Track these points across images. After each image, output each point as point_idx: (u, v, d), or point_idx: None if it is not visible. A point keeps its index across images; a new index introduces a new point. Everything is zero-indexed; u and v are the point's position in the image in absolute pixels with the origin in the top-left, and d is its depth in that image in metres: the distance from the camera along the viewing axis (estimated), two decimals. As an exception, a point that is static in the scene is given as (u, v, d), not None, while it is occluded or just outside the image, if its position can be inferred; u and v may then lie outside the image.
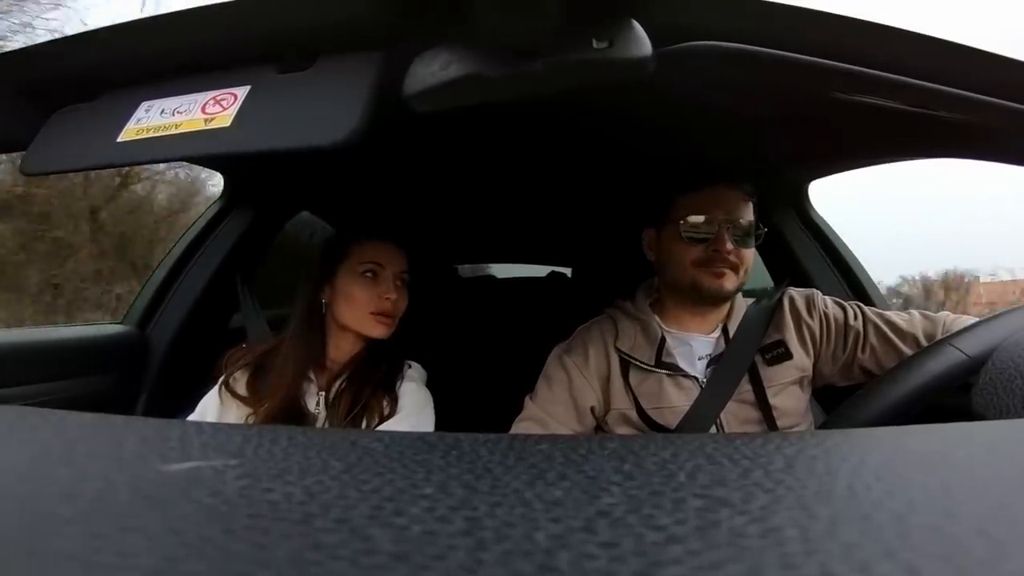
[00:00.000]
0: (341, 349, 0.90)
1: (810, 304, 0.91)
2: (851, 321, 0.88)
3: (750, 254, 0.85)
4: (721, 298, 0.86)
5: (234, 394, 0.86)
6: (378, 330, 0.87)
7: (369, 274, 0.88)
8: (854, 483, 0.21)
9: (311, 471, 0.22)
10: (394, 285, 0.89)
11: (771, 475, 0.22)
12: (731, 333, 0.87)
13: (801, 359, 0.87)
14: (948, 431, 0.31)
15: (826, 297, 0.93)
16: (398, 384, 0.88)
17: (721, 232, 0.82)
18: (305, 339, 0.88)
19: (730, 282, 0.83)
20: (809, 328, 0.89)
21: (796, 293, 0.92)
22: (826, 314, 0.90)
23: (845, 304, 0.92)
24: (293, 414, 0.83)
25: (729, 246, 0.82)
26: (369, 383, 0.85)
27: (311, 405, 0.86)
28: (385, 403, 0.84)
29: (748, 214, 0.85)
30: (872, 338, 0.87)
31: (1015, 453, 0.27)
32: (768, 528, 0.17)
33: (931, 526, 0.18)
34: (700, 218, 0.83)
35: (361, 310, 0.87)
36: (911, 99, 0.49)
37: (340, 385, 0.86)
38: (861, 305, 0.92)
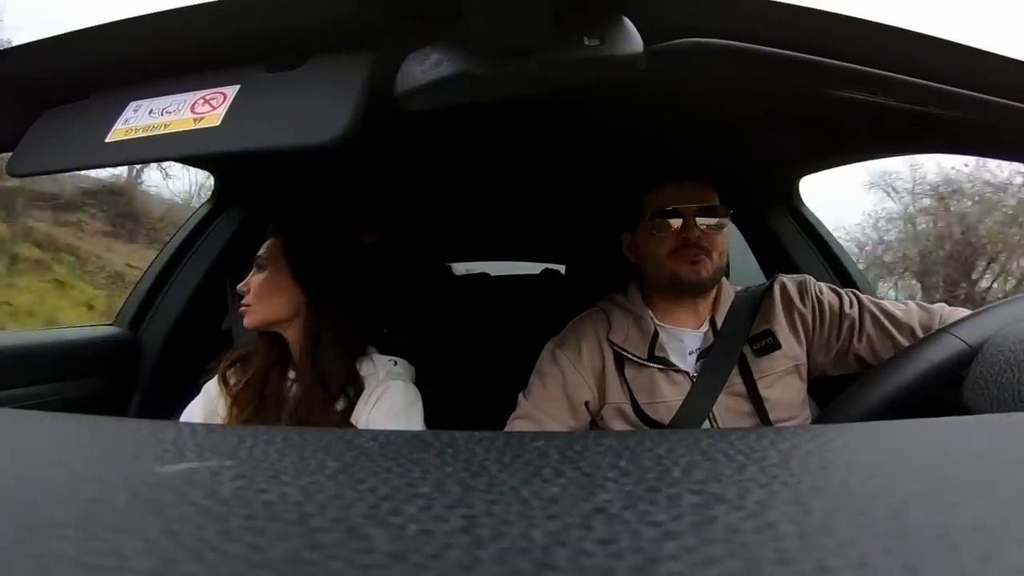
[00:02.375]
0: (292, 342, 0.90)
1: (803, 290, 0.90)
2: (846, 309, 0.88)
3: (721, 238, 0.87)
4: (702, 286, 0.86)
5: (228, 388, 0.86)
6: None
7: None
8: (849, 478, 0.21)
9: (306, 471, 0.22)
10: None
11: (766, 470, 0.22)
12: (719, 325, 0.87)
13: (792, 347, 0.86)
14: (942, 425, 0.31)
15: (820, 283, 0.92)
16: (359, 364, 0.87)
17: (688, 220, 0.84)
18: (264, 335, 0.90)
19: (706, 268, 0.84)
20: (801, 315, 0.88)
21: (788, 280, 0.92)
22: (819, 300, 0.89)
23: (841, 291, 0.91)
24: (272, 406, 0.84)
25: (698, 232, 0.84)
26: (313, 372, 0.84)
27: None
28: (349, 392, 0.83)
29: (712, 200, 0.87)
30: (869, 327, 0.86)
31: (1009, 447, 0.28)
32: (764, 523, 0.17)
33: (926, 521, 0.18)
34: (667, 209, 0.85)
35: None
36: (901, 95, 0.50)
37: (296, 374, 0.87)
38: (857, 293, 0.91)
